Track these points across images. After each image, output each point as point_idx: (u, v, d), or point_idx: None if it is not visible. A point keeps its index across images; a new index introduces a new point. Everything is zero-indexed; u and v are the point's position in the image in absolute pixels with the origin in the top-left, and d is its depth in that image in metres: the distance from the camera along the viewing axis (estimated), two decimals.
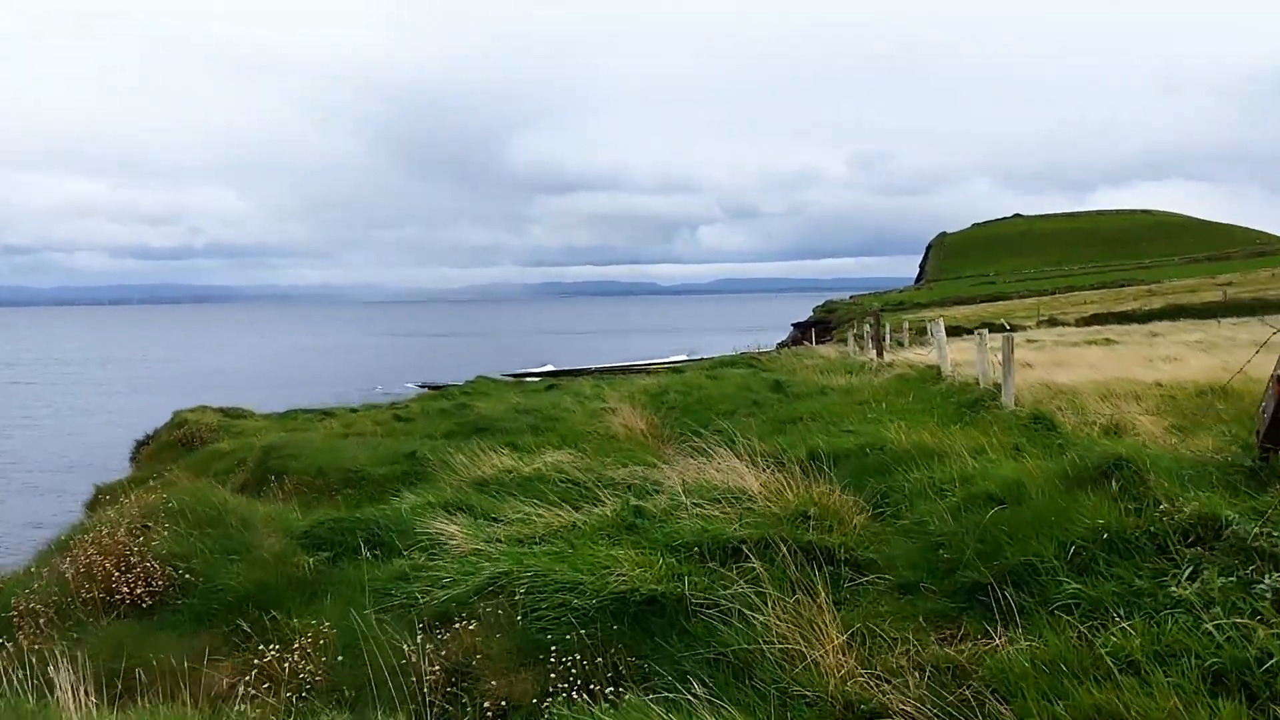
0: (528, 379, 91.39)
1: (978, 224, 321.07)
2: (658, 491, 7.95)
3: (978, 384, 14.00)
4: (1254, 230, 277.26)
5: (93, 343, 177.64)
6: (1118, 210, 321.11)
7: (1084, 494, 5.86)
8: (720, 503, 6.66)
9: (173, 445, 20.17)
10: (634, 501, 6.77)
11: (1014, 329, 68.99)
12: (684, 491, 6.99)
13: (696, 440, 10.72)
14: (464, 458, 10.39)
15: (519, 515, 7.15)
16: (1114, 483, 5.86)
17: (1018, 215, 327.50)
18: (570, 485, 9.05)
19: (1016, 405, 11.36)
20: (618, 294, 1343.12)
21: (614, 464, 10.13)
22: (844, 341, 68.05)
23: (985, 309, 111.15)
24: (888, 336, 32.10)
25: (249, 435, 18.60)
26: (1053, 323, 70.40)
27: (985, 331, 12.82)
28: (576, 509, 7.29)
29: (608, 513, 6.55)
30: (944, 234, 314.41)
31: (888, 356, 25.41)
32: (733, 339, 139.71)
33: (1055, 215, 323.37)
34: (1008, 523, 5.69)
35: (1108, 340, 32.47)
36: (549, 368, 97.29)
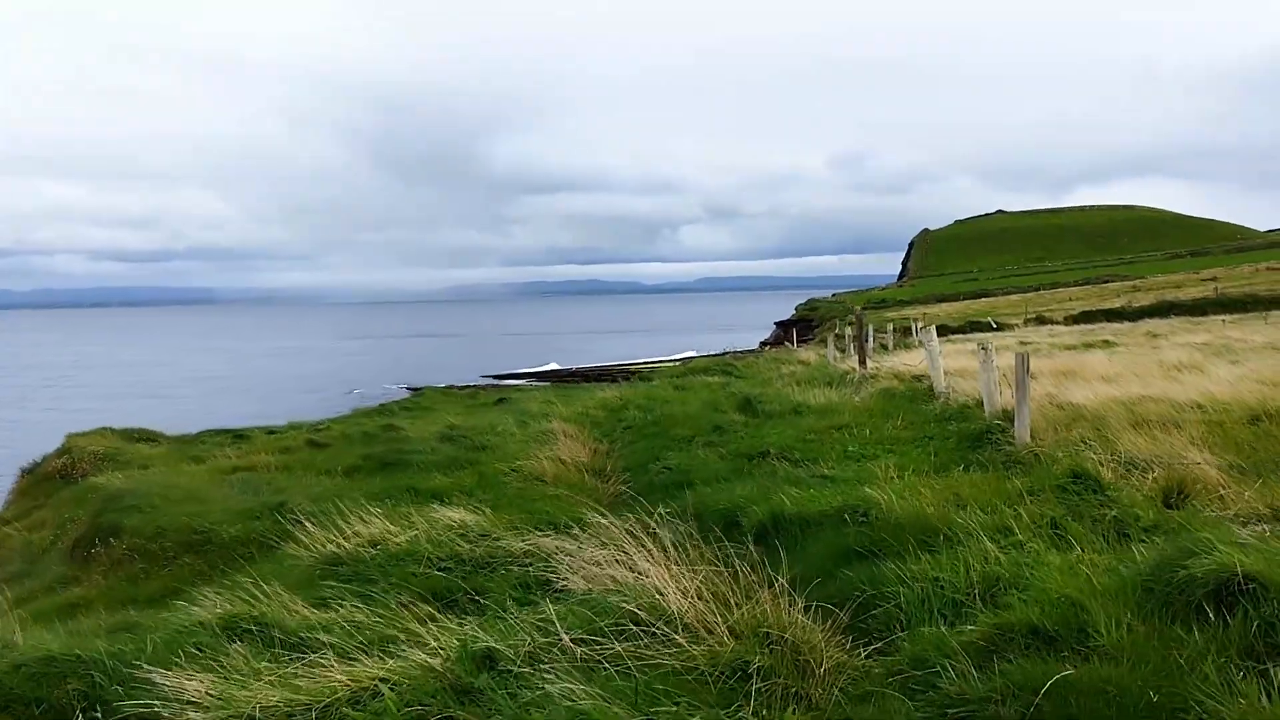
0: (506, 381, 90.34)
1: (960, 220, 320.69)
2: (546, 592, 5.67)
3: (980, 407, 11.76)
4: (1234, 225, 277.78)
5: (61, 346, 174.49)
6: (1099, 206, 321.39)
7: (1186, 633, 3.62)
8: (624, 635, 4.37)
9: (51, 476, 17.70)
10: (483, 642, 4.46)
11: (1001, 327, 67.10)
12: (568, 618, 4.67)
13: (645, 475, 8.46)
14: (339, 520, 8.04)
15: (333, 639, 4.86)
16: (1234, 617, 3.63)
17: (1000, 211, 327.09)
18: (451, 567, 6.77)
19: (1034, 441, 9.10)
20: (602, 293, 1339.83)
21: (524, 524, 7.86)
22: (825, 343, 65.96)
23: (969, 306, 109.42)
24: (871, 339, 29.89)
25: (136, 465, 16.22)
26: (1040, 321, 68.45)
27: (991, 345, 10.54)
28: (428, 623, 5.00)
29: (438, 665, 4.25)
30: (926, 231, 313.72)
31: (871, 365, 23.19)
32: (716, 338, 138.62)
33: (1037, 211, 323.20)
34: (1073, 692, 3.42)
35: (1107, 343, 30.32)
36: (552, 367, 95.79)
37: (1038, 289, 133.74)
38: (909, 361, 23.30)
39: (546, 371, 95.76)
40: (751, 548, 6.13)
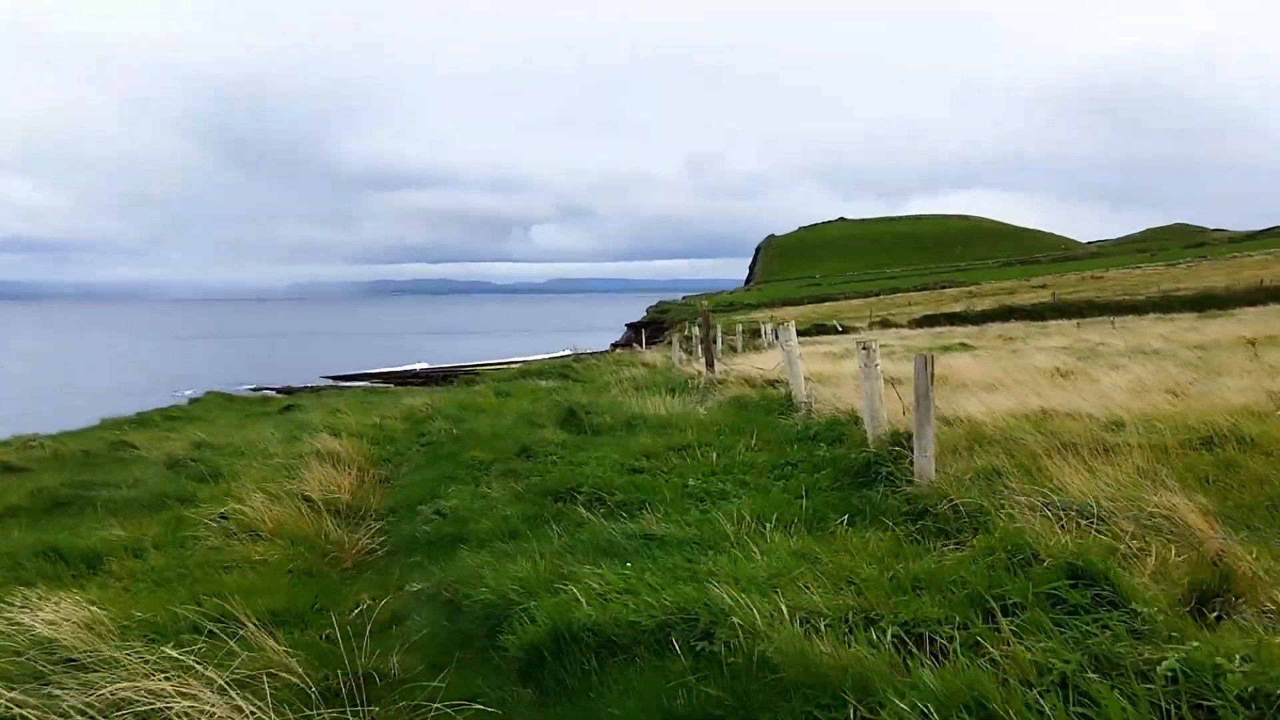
0: (347, 384, 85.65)
1: (804, 227, 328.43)
2: None
3: (853, 423, 9.22)
4: (1059, 236, 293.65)
5: None
6: (935, 215, 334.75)
7: None
8: None
9: None
10: None
11: (846, 330, 66.58)
12: None
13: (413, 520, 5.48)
14: None
15: None
16: None
17: (842, 219, 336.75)
18: None
19: (940, 477, 6.54)
20: (451, 293, 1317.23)
21: (159, 629, 4.80)
22: (671, 345, 63.96)
23: (814, 310, 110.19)
24: (719, 341, 27.57)
25: None
26: (885, 324, 68.30)
27: (874, 345, 7.94)
28: None
29: None
30: (772, 236, 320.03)
31: (720, 368, 20.72)
32: (568, 339, 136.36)
33: (876, 219, 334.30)
34: None
35: (964, 345, 28.87)
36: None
37: (879, 294, 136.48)
38: (761, 364, 20.94)
39: (390, 373, 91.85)
40: (517, 687, 3.30)
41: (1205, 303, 61.48)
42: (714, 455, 9.13)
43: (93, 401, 69.15)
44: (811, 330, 65.73)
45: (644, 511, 6.69)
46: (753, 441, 9.68)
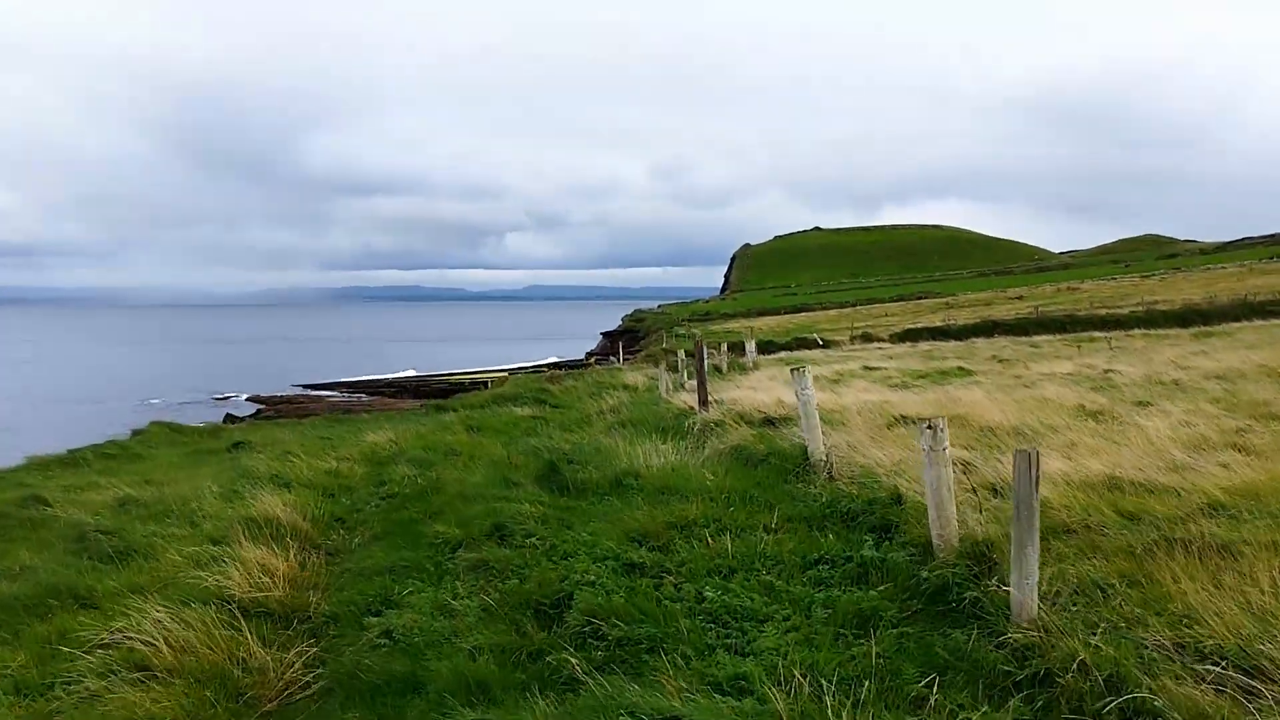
0: (321, 391, 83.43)
1: (779, 236, 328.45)
2: None
3: (896, 501, 7.65)
4: (1032, 246, 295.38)
5: None
6: (909, 225, 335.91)
7: None
8: None
9: None
10: None
11: (827, 344, 65.27)
12: None
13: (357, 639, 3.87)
14: None
15: None
16: None
17: (817, 228, 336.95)
18: None
19: (1044, 612, 4.95)
20: (425, 299, 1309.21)
21: None
22: (653, 360, 62.42)
23: (791, 320, 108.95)
24: (703, 362, 26.01)
25: None
26: (867, 338, 66.98)
27: (940, 426, 6.25)
28: None
29: None
30: (747, 245, 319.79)
31: (715, 401, 19.23)
32: (543, 346, 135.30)
33: (851, 229, 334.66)
34: None
35: (962, 370, 27.41)
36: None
37: (855, 304, 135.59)
38: (755, 397, 19.40)
39: (362, 381, 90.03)
40: None
41: (1189, 318, 60.69)
42: (728, 541, 7.54)
43: (49, 412, 67.23)
44: (793, 344, 64.34)
45: (655, 656, 5.08)
46: (772, 519, 8.08)
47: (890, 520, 7.40)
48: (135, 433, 21.16)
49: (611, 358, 64.72)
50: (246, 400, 75.90)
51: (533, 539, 8.09)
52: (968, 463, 10.31)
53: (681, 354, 26.12)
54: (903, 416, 15.12)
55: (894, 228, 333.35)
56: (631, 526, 8.26)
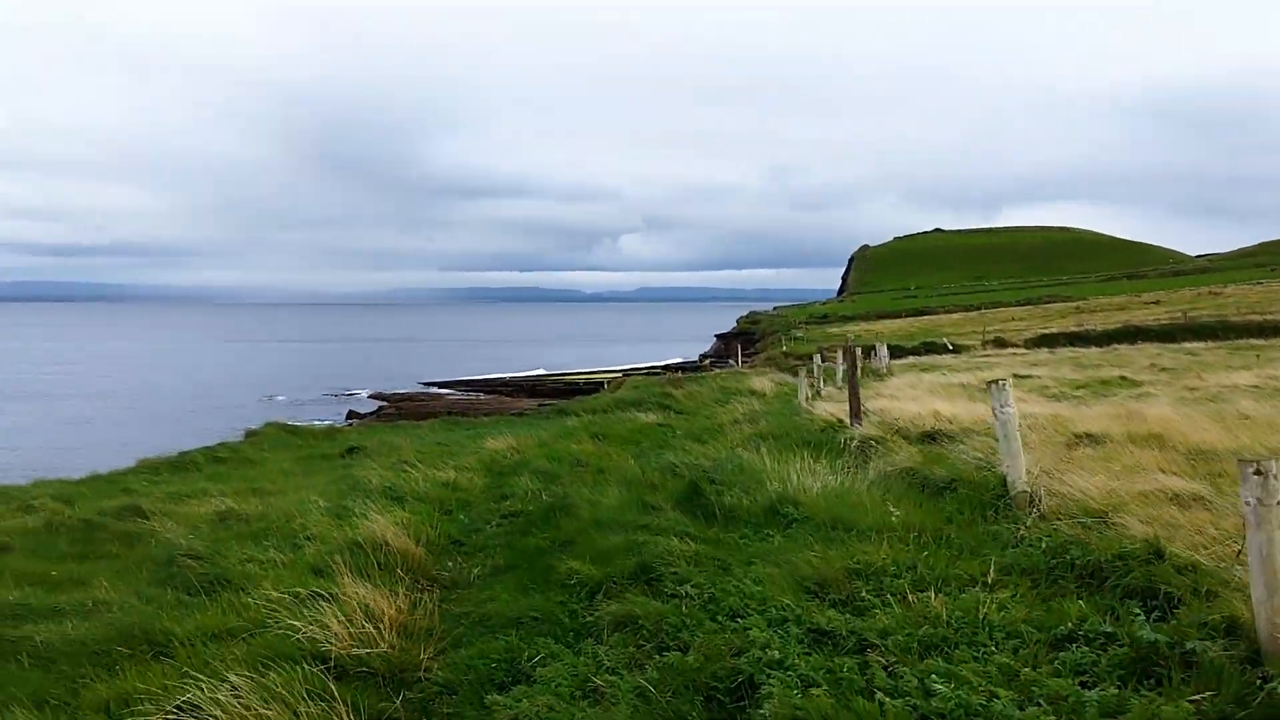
0: (442, 390, 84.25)
1: (899, 237, 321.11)
2: None
3: (1157, 556, 5.97)
4: (1166, 249, 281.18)
5: None
6: (1036, 227, 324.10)
7: None
8: None
9: None
10: None
11: (957, 349, 62.29)
12: None
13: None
14: None
15: None
16: None
17: (938, 230, 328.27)
18: None
19: None
20: (541, 300, 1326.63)
21: None
22: (774, 363, 60.62)
23: (913, 323, 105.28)
24: (856, 368, 24.22)
25: None
26: (1000, 343, 63.70)
27: (1275, 469, 4.61)
28: None
29: None
30: (866, 247, 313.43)
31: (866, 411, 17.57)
32: (656, 348, 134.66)
33: (974, 230, 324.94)
34: None
35: (1126, 380, 24.97)
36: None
37: (979, 308, 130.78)
38: (904, 408, 17.63)
39: (484, 380, 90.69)
40: None
41: None
42: (934, 600, 5.97)
43: (177, 407, 69.38)
44: (920, 349, 61.64)
45: None
46: (986, 572, 6.47)
47: (1155, 584, 5.70)
48: (249, 434, 20.59)
49: (729, 360, 63.11)
50: (368, 397, 77.10)
51: (687, 586, 6.65)
52: (1199, 496, 8.51)
53: (817, 359, 24.41)
54: (1086, 434, 13.23)
55: (1018, 229, 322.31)
56: (804, 572, 6.76)
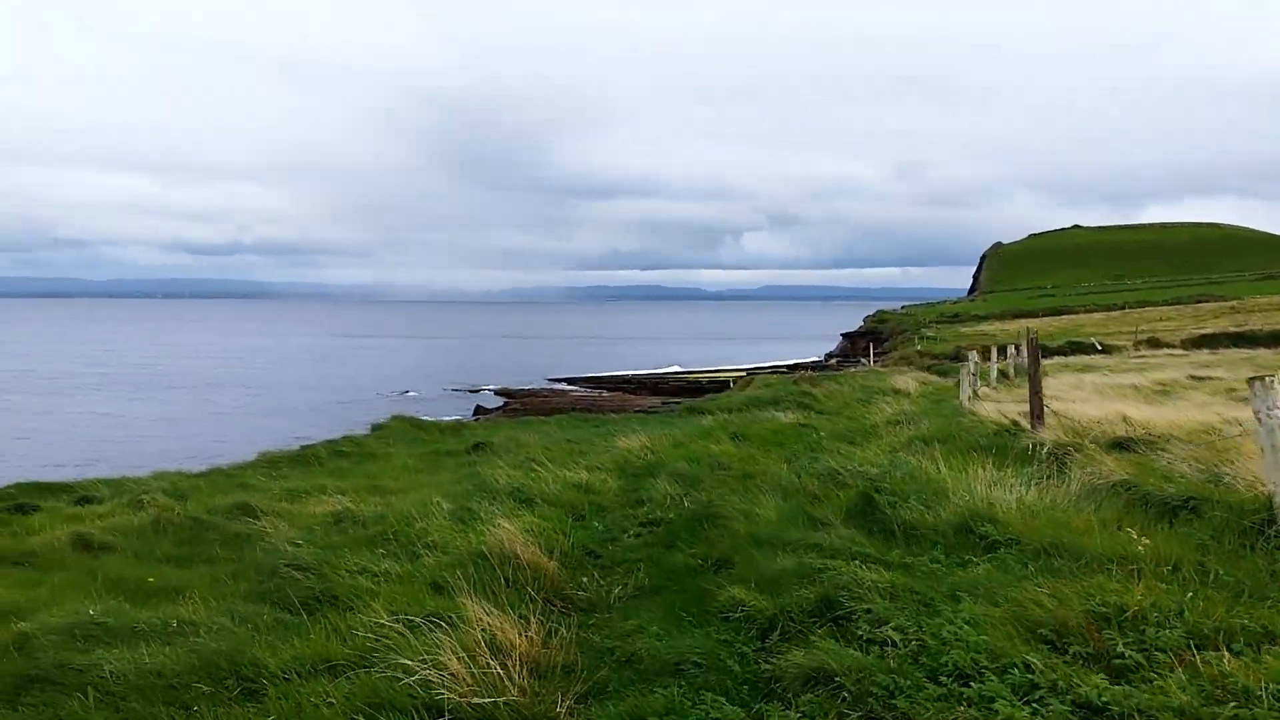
0: (568, 386, 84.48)
1: (1034, 234, 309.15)
2: None
3: None
4: None
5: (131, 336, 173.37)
6: (1182, 223, 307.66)
7: None
8: None
9: None
10: None
11: (1107, 349, 58.65)
12: None
13: None
14: None
15: None
16: None
17: (1076, 226, 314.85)
18: None
19: None
20: (663, 299, 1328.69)
21: None
22: (908, 361, 58.23)
23: (1051, 323, 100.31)
24: (1038, 364, 22.30)
25: None
26: (1154, 343, 59.71)
27: None
28: None
29: None
30: (999, 244, 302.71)
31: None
32: (780, 347, 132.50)
33: (1115, 227, 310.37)
34: None
35: None
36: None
37: (1123, 307, 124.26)
38: (1080, 409, 15.80)
39: (607, 377, 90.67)
40: None
41: None
42: (1225, 658, 4.49)
43: (311, 400, 71.33)
44: (1066, 348, 58.34)
45: None
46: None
47: None
48: (375, 428, 19.98)
49: (861, 360, 60.88)
50: (495, 393, 77.80)
51: (886, 628, 5.28)
52: None
53: (974, 355, 22.52)
54: None
55: (1162, 226, 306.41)
56: (1033, 614, 5.33)
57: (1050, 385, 26.24)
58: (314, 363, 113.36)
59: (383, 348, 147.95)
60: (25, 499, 12.26)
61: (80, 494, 12.80)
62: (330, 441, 16.99)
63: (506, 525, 8.20)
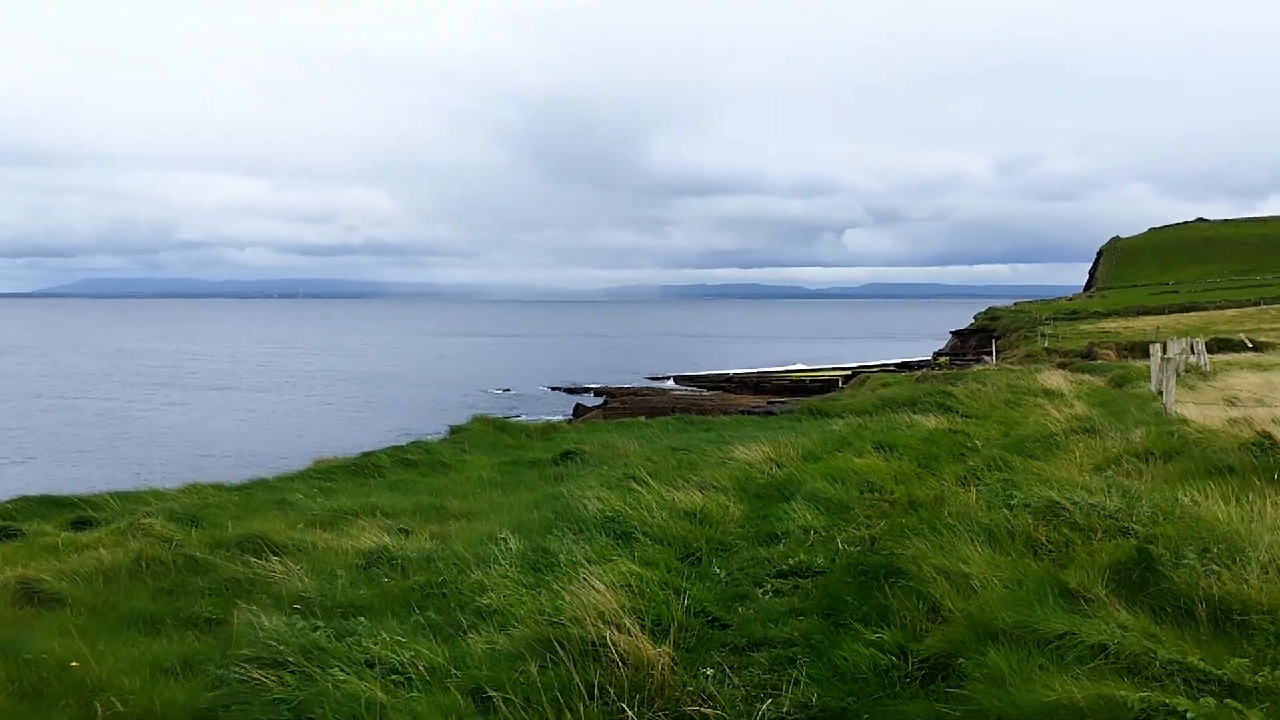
0: (666, 385, 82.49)
1: (1155, 229, 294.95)
2: None
3: None
4: None
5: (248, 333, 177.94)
6: None
7: None
8: None
9: None
10: None
11: (1257, 347, 53.56)
12: None
13: None
14: None
15: None
16: None
17: (1200, 220, 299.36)
18: None
19: None
20: (763, 297, 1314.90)
21: None
22: (1033, 359, 54.18)
23: (1179, 320, 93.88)
24: (1178, 363, 18.87)
25: None
26: None
27: None
28: None
29: None
30: (1116, 239, 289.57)
31: (1236, 420, 12.66)
32: (884, 346, 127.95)
33: (1242, 220, 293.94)
34: None
35: None
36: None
37: (1257, 303, 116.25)
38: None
39: (708, 376, 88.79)
40: None
41: None
42: None
43: (415, 396, 71.02)
44: (1212, 346, 53.59)
45: None
46: None
47: None
48: (454, 430, 17.53)
49: (984, 357, 56.80)
50: (594, 392, 76.67)
51: None
52: None
53: (1157, 349, 19.15)
54: None
55: None
56: None
57: (1235, 385, 22.63)
58: (423, 359, 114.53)
59: (485, 346, 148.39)
60: (13, 520, 10.09)
61: (80, 514, 10.62)
62: (396, 448, 14.54)
63: (596, 586, 5.60)
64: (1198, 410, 13.98)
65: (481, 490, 11.45)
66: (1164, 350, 19.43)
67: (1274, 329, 65.86)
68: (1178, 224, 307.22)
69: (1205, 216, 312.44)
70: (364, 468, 13.32)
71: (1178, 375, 23.22)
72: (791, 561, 7.42)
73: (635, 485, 9.41)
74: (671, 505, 8.84)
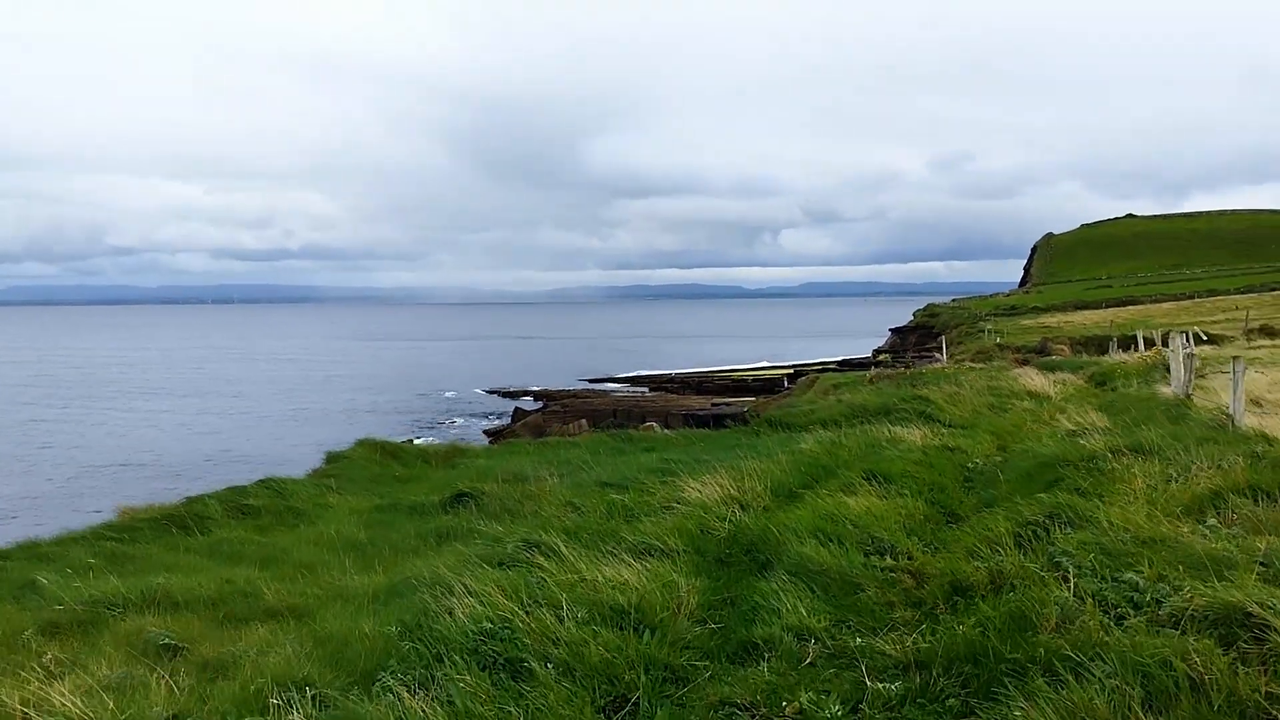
0: (604, 385, 79.78)
1: (1087, 225, 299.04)
2: None
3: None
4: None
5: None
6: (1241, 210, 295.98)
7: None
8: None
9: None
10: None
11: (1211, 340, 51.94)
12: None
13: None
14: None
15: None
16: None
17: (1130, 216, 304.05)
18: None
19: None
20: (704, 297, 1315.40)
21: None
22: (985, 356, 52.12)
23: (1118, 314, 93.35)
24: (1178, 361, 16.31)
25: None
26: (1269, 332, 52.89)
27: None
28: None
29: None
30: (1050, 235, 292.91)
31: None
32: (823, 344, 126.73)
33: (1172, 216, 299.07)
34: None
35: None
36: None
37: (1190, 296, 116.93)
38: None
39: (649, 377, 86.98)
40: None
41: None
42: None
43: (346, 403, 67.37)
44: (1166, 341, 51.98)
45: None
46: None
47: None
48: (331, 458, 14.14)
49: (936, 355, 54.60)
50: (534, 395, 74.54)
51: None
52: None
53: (1178, 346, 16.57)
54: None
55: (1222, 214, 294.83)
56: None
57: (1229, 382, 20.19)
58: (358, 364, 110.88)
59: (425, 350, 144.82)
60: None
61: None
62: (237, 489, 11.07)
63: None
64: (1257, 420, 11.22)
65: (331, 557, 8.28)
66: (1178, 345, 16.81)
67: (1213, 321, 64.87)
68: (1109, 220, 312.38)
69: (1135, 213, 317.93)
70: (181, 520, 9.97)
71: (1151, 372, 20.67)
72: (789, 711, 4.38)
73: (540, 558, 6.30)
74: (593, 594, 5.75)
